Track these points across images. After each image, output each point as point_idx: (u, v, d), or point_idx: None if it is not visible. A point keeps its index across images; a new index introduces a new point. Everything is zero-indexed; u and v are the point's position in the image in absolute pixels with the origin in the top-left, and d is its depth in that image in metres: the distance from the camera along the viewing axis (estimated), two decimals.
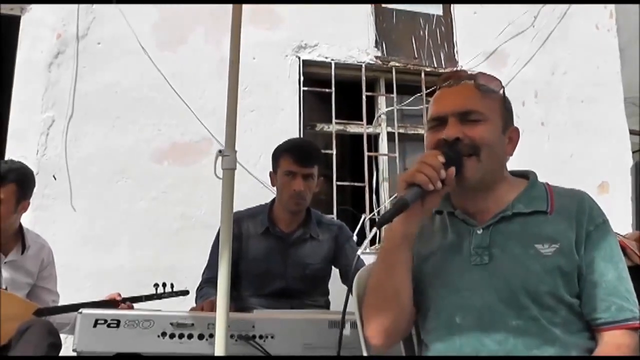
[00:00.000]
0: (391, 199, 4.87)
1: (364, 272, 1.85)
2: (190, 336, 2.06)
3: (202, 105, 4.38)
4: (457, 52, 5.25)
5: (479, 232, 1.62)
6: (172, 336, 2.06)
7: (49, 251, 3.19)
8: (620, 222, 3.64)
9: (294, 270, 2.96)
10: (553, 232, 1.57)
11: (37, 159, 4.03)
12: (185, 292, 3.05)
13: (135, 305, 2.78)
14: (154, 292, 2.97)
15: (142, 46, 4.31)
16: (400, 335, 1.70)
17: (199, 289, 2.99)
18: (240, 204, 3.03)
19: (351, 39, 4.93)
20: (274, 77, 4.66)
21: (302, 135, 4.59)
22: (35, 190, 3.92)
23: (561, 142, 5.29)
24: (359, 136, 4.93)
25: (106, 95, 4.23)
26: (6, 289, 2.94)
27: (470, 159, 1.59)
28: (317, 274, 3.01)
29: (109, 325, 2.05)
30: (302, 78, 4.73)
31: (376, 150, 5.01)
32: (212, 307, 2.52)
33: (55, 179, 4.00)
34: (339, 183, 4.71)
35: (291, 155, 2.89)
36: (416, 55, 5.14)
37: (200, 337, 2.08)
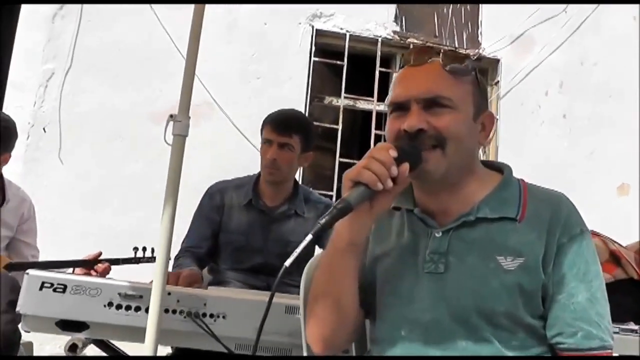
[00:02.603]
0: None
1: (315, 261, 1.72)
2: (137, 308, 1.96)
3: (207, 69, 4.24)
4: (481, 33, 5.04)
5: (438, 235, 1.44)
6: (118, 307, 1.96)
7: (30, 205, 3.14)
8: (635, 229, 3.44)
9: (275, 247, 2.86)
10: (519, 243, 1.38)
11: (34, 110, 3.97)
12: None
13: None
14: (133, 255, 2.91)
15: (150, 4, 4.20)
16: (341, 345, 1.56)
17: (176, 258, 2.92)
18: (239, 173, 2.99)
19: (369, 12, 4.76)
20: (285, 45, 4.51)
21: (308, 108, 4.46)
22: (29, 141, 3.90)
23: (583, 137, 5.05)
24: (369, 113, 4.77)
25: (108, 52, 4.14)
26: None
27: (434, 151, 1.38)
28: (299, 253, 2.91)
29: (55, 290, 1.95)
30: (313, 48, 4.58)
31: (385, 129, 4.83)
32: (177, 280, 2.44)
33: (45, 131, 3.93)
34: (342, 160, 4.57)
35: (270, 124, 2.80)
36: (437, 34, 4.95)
37: (148, 310, 1.98)
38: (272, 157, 2.75)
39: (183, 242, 2.96)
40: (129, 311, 1.96)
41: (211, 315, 1.99)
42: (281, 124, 2.79)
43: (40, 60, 4.02)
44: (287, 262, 1.28)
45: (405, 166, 1.33)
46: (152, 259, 2.92)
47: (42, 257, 3.30)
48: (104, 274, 2.92)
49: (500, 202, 1.44)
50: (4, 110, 3.88)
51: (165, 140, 1.87)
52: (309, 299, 1.50)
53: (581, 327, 1.35)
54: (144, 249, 2.85)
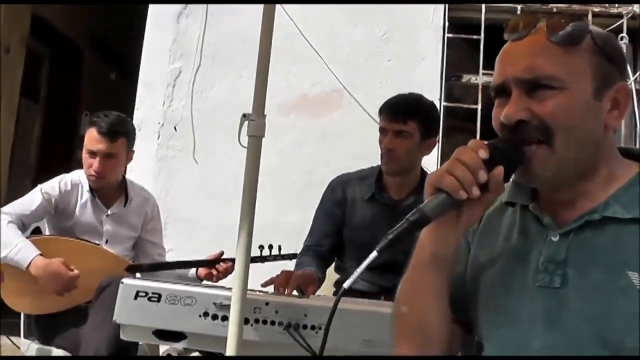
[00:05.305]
0: None
1: None
2: None
3: (334, 54, 4.08)
4: None
5: (554, 238, 1.14)
6: (214, 317, 1.86)
7: (154, 204, 3.16)
8: None
9: (403, 243, 2.64)
10: None
11: (164, 110, 4.01)
12: (292, 256, 2.89)
13: None
14: (259, 254, 2.83)
15: None
16: None
17: (298, 256, 2.80)
18: (373, 162, 2.82)
19: None
20: (416, 22, 4.21)
21: (444, 88, 4.14)
22: (160, 141, 3.95)
23: None
24: None
25: (234, 45, 4.08)
26: (107, 241, 2.94)
27: (540, 147, 1.10)
28: None
29: (149, 299, 1.88)
30: (447, 23, 4.23)
31: None
32: (287, 281, 2.30)
33: (175, 130, 3.95)
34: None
35: (383, 111, 2.64)
36: None
37: (246, 321, 1.85)
38: (387, 147, 2.58)
39: (306, 239, 2.84)
40: (225, 322, 1.84)
41: (312, 327, 1.82)
42: (394, 110, 2.60)
43: (167, 60, 4.05)
44: (346, 285, 1.08)
45: (499, 170, 1.08)
46: (278, 257, 2.83)
47: (177, 254, 3.32)
48: (225, 273, 2.86)
49: (636, 199, 1.11)
50: (136, 110, 3.99)
51: (240, 142, 1.71)
52: (394, 312, 1.27)
53: None
54: (270, 246, 2.75)
